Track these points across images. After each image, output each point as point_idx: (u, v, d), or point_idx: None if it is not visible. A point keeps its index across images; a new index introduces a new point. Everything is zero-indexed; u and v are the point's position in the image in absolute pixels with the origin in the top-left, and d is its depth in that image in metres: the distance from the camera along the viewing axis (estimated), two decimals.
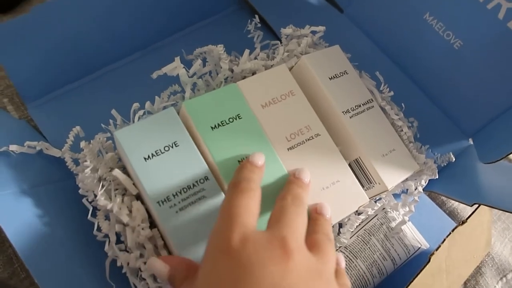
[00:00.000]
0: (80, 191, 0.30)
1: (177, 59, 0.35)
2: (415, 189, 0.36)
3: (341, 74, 0.36)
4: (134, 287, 0.29)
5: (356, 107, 0.35)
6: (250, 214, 0.24)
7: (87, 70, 0.39)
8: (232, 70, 0.38)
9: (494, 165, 0.36)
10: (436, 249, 0.30)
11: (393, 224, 0.35)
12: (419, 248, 0.35)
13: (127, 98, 0.35)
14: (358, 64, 0.40)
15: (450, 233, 0.31)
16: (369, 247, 0.34)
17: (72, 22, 0.35)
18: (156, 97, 0.34)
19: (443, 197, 0.40)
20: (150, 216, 0.30)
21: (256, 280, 0.21)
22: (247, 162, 0.28)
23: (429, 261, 0.29)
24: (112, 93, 0.38)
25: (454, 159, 0.39)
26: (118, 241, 0.30)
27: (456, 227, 0.31)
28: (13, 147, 0.31)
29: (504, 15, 0.36)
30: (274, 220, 0.25)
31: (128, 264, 0.28)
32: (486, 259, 0.38)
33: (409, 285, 0.29)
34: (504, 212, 0.41)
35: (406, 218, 0.35)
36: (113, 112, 0.34)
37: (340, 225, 0.36)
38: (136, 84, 0.38)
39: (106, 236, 0.30)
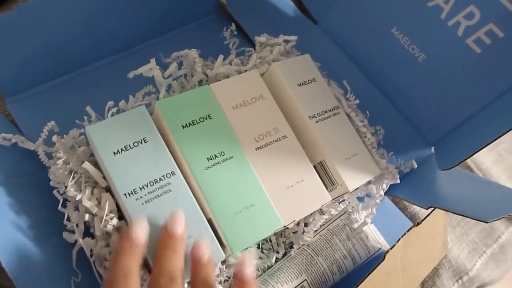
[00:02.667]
0: (51, 183, 0.31)
1: (153, 60, 0.36)
2: (376, 193, 0.37)
3: (310, 81, 0.38)
4: (98, 275, 0.30)
5: (323, 112, 0.37)
6: None
7: (66, 69, 0.40)
8: (206, 74, 0.39)
9: (451, 172, 0.38)
10: (391, 248, 0.32)
11: (356, 225, 0.37)
12: (380, 249, 0.37)
13: (103, 97, 0.36)
14: (327, 73, 0.42)
15: (405, 233, 0.33)
16: (331, 246, 0.35)
17: (54, 22, 0.36)
18: (130, 96, 0.36)
19: (405, 202, 0.42)
20: (119, 210, 0.31)
21: None
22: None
23: (383, 258, 0.31)
24: (90, 92, 0.39)
25: (416, 166, 0.41)
26: (88, 232, 0.31)
27: (411, 228, 0.33)
28: None
29: (463, 32, 0.39)
30: None
31: (92, 251, 0.29)
32: (444, 262, 0.40)
33: (363, 280, 0.30)
34: (463, 218, 0.43)
35: (368, 220, 0.37)
36: (88, 109, 0.35)
37: (306, 224, 0.37)
38: (113, 84, 0.39)
39: (76, 226, 0.31)
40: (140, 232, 0.26)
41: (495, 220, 0.30)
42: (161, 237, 0.27)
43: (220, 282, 0.33)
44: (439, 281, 0.39)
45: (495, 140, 0.34)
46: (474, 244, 0.42)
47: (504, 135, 0.44)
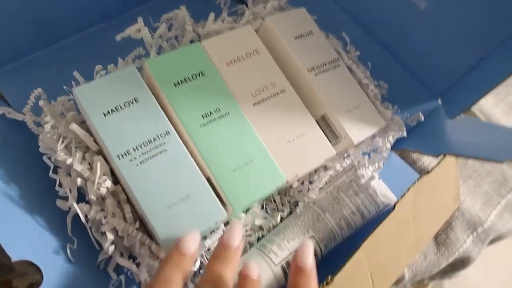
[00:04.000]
0: (41, 149, 0.30)
1: (140, 19, 0.35)
2: (383, 146, 0.36)
3: (307, 34, 0.36)
4: (95, 240, 0.28)
5: (322, 65, 0.35)
6: None
7: (52, 40, 0.39)
8: (198, 34, 0.38)
9: (460, 121, 0.36)
10: (401, 197, 0.30)
11: (363, 181, 0.35)
12: (389, 204, 0.35)
13: (91, 64, 0.34)
14: (324, 27, 0.40)
15: (415, 182, 0.31)
16: (338, 202, 0.34)
17: None
18: (119, 58, 0.34)
19: (414, 157, 0.40)
20: (113, 175, 0.30)
21: None
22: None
23: (394, 208, 0.30)
24: (77, 60, 0.38)
25: (423, 119, 0.39)
26: (82, 199, 0.30)
27: (421, 176, 0.31)
28: None
29: None
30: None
31: (87, 217, 0.28)
32: (457, 214, 0.38)
33: (373, 231, 0.29)
34: (475, 171, 0.42)
35: (375, 175, 0.35)
36: (75, 74, 0.33)
37: (310, 182, 0.36)
38: (101, 51, 0.38)
39: (69, 192, 0.30)
40: (192, 244, 0.25)
41: (511, 160, 0.28)
42: (216, 247, 0.26)
43: None
44: (453, 234, 0.37)
45: (501, 82, 0.32)
46: (488, 195, 0.40)
47: None
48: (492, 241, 0.40)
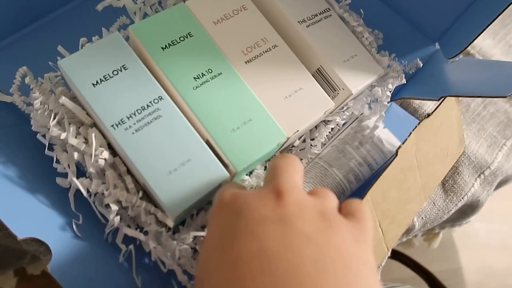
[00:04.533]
0: (33, 128, 0.29)
1: None
2: (382, 94, 0.35)
3: None
4: (100, 214, 0.28)
5: (313, 16, 0.34)
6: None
7: (34, 17, 0.37)
8: None
9: (459, 63, 0.35)
10: (403, 143, 0.29)
11: (367, 132, 0.34)
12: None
13: (76, 38, 0.33)
14: None
15: (416, 126, 0.30)
16: (344, 156, 0.33)
17: None
18: (103, 28, 0.33)
19: (415, 105, 0.40)
20: (111, 148, 0.30)
21: (245, 219, 0.20)
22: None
23: (396, 154, 0.29)
24: (61, 36, 0.37)
25: (421, 65, 0.38)
26: (81, 174, 0.29)
27: (422, 120, 0.31)
28: None
29: None
30: (266, 180, 0.24)
31: (89, 191, 0.27)
32: (462, 159, 0.37)
33: (377, 179, 0.28)
34: (478, 114, 0.41)
35: (378, 124, 0.34)
36: (59, 48, 0.32)
37: (312, 139, 0.35)
38: (84, 25, 0.37)
39: (68, 167, 0.29)
40: None
41: None
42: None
43: None
44: (460, 179, 0.37)
45: (496, 18, 0.31)
46: (493, 138, 0.40)
47: None
48: (500, 184, 0.40)
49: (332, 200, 0.23)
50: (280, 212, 0.20)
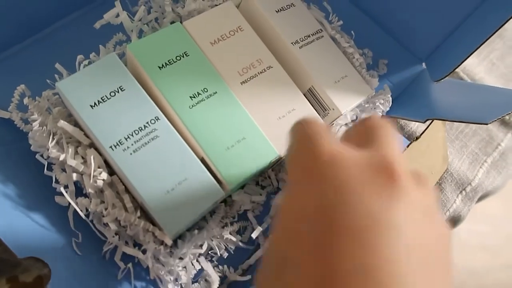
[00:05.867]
0: (32, 148, 0.30)
1: (118, 3, 0.34)
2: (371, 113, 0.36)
3: (288, 6, 0.36)
4: (99, 232, 0.29)
5: (305, 37, 0.35)
6: (332, 135, 0.19)
7: (30, 31, 0.38)
8: (179, 15, 0.37)
9: (445, 84, 0.36)
10: None
11: None
12: None
13: (73, 53, 0.33)
14: None
15: (405, 148, 0.32)
16: None
17: None
18: (100, 46, 0.34)
19: (401, 122, 0.41)
20: (108, 166, 0.30)
21: (350, 208, 0.15)
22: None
23: None
24: (58, 51, 0.37)
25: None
26: (79, 192, 0.30)
27: (410, 143, 0.32)
28: None
29: None
30: (365, 139, 0.19)
31: (87, 210, 0.28)
32: (445, 176, 0.39)
33: None
34: (461, 131, 0.43)
35: None
36: (57, 66, 0.33)
37: None
38: (81, 39, 0.37)
39: (66, 187, 0.30)
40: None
41: (495, 120, 0.29)
42: None
43: (226, 225, 0.33)
44: (443, 195, 0.38)
45: (483, 43, 0.33)
46: (474, 155, 0.42)
47: (496, 43, 0.43)
48: (480, 199, 0.42)
49: (435, 196, 0.19)
50: (394, 213, 0.15)
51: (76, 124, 0.31)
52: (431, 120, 0.33)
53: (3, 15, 0.34)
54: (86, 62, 0.33)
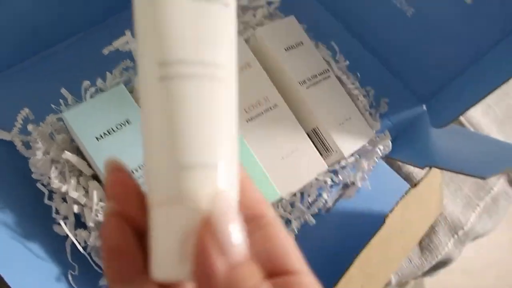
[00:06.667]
0: (34, 175, 0.29)
1: (128, 32, 0.34)
2: (371, 158, 0.37)
3: (297, 45, 0.36)
4: (96, 265, 0.29)
5: (313, 77, 0.36)
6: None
7: (35, 50, 0.37)
8: None
9: (445, 129, 0.37)
10: (391, 211, 0.31)
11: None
12: None
13: (78, 77, 0.33)
14: (313, 35, 0.40)
15: (403, 195, 0.32)
16: None
17: (18, 1, 0.33)
18: (107, 73, 0.33)
19: (399, 162, 0.42)
20: None
21: None
22: None
23: (384, 222, 0.31)
24: (63, 72, 0.36)
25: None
26: (79, 222, 0.30)
27: (409, 190, 0.33)
28: None
29: None
30: None
31: (86, 243, 0.28)
32: (439, 219, 0.40)
33: (365, 247, 0.30)
34: (456, 174, 0.43)
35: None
36: (63, 91, 0.32)
37: (302, 194, 0.36)
38: (88, 61, 0.36)
39: (66, 218, 0.29)
40: None
41: (493, 176, 0.30)
42: None
43: None
44: (436, 238, 0.39)
45: (487, 95, 0.33)
46: (468, 198, 0.42)
47: None
48: (471, 240, 0.43)
49: None
50: None
51: (78, 151, 0.31)
52: (429, 168, 0.33)
53: (6, 33, 0.34)
54: (92, 89, 0.32)
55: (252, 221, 0.16)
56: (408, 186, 0.40)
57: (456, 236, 0.40)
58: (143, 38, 0.15)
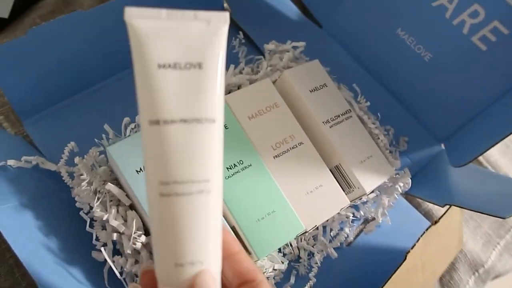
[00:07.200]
0: (77, 204, 0.32)
1: None
2: (391, 194, 0.38)
3: (321, 86, 0.39)
4: None
5: (336, 117, 0.38)
6: None
7: (80, 87, 0.41)
8: None
9: (463, 168, 0.38)
10: (412, 248, 0.32)
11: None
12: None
13: (119, 112, 0.36)
14: (336, 77, 0.42)
15: (424, 232, 0.34)
16: None
17: (65, 42, 0.36)
18: None
19: (419, 199, 0.43)
20: (145, 226, 0.32)
21: None
22: None
23: (405, 259, 0.32)
24: (105, 108, 0.40)
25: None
26: (116, 249, 0.32)
27: (429, 227, 0.34)
28: (10, 162, 0.32)
29: (468, 30, 0.39)
30: None
31: (122, 269, 0.30)
32: (459, 256, 0.41)
33: (387, 281, 0.31)
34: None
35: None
36: (106, 126, 0.35)
37: (324, 228, 0.38)
38: (128, 99, 0.39)
39: (105, 245, 0.32)
40: None
41: None
42: None
43: None
44: (456, 275, 0.40)
45: (506, 136, 0.35)
46: (488, 236, 0.43)
47: None
48: (491, 279, 0.43)
49: None
50: None
51: (117, 183, 0.34)
52: (449, 206, 0.35)
53: (55, 71, 0.37)
54: (132, 125, 0.35)
55: (246, 284, 0.21)
56: (428, 222, 0.41)
57: (476, 273, 0.40)
58: (146, 160, 0.19)
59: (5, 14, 0.43)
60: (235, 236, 0.31)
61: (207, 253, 0.20)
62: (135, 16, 0.19)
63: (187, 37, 0.19)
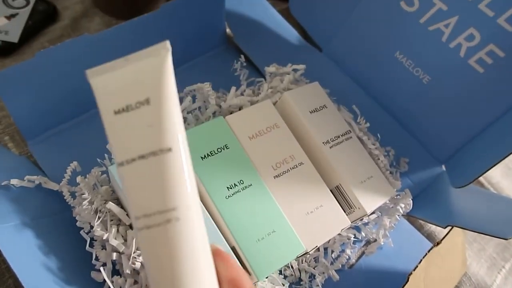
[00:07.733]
0: (78, 224, 0.32)
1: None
2: (392, 215, 0.38)
3: (321, 108, 0.39)
4: None
5: (335, 138, 0.38)
6: None
7: (84, 109, 0.41)
8: (220, 106, 0.41)
9: (465, 189, 0.38)
10: (414, 269, 0.32)
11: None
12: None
13: None
14: (336, 99, 0.43)
15: (426, 253, 0.33)
16: None
17: (71, 65, 0.38)
18: None
19: (421, 221, 0.43)
20: None
21: None
22: None
23: (407, 281, 0.31)
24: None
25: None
26: (115, 270, 0.32)
27: (431, 248, 0.33)
28: (13, 181, 0.33)
29: (465, 53, 0.40)
30: None
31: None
32: (464, 279, 0.40)
33: None
34: (479, 233, 0.44)
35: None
36: (108, 147, 0.36)
37: (325, 249, 0.38)
38: None
39: (104, 264, 0.31)
40: None
41: None
42: None
43: None
44: None
45: (506, 157, 0.35)
46: (492, 259, 0.42)
47: None
48: None
49: None
50: None
51: (118, 202, 0.34)
52: (451, 227, 0.34)
53: (59, 94, 0.38)
54: None
55: None
56: (430, 244, 0.41)
57: None
58: (125, 197, 0.21)
59: (15, 39, 0.45)
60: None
61: (192, 279, 0.20)
62: (92, 75, 0.21)
63: (134, 79, 0.21)
